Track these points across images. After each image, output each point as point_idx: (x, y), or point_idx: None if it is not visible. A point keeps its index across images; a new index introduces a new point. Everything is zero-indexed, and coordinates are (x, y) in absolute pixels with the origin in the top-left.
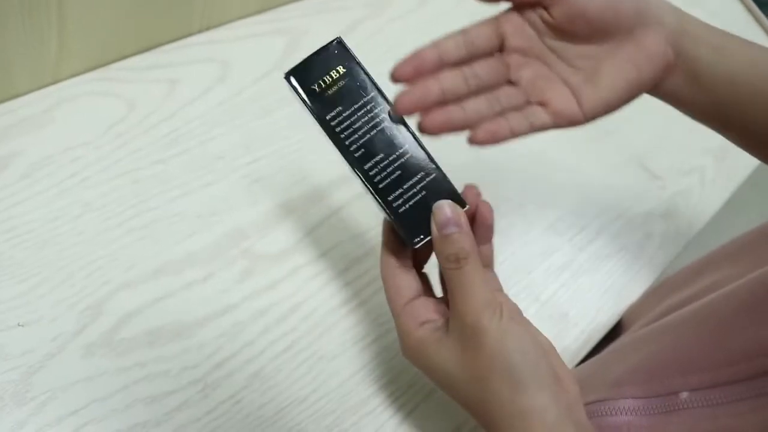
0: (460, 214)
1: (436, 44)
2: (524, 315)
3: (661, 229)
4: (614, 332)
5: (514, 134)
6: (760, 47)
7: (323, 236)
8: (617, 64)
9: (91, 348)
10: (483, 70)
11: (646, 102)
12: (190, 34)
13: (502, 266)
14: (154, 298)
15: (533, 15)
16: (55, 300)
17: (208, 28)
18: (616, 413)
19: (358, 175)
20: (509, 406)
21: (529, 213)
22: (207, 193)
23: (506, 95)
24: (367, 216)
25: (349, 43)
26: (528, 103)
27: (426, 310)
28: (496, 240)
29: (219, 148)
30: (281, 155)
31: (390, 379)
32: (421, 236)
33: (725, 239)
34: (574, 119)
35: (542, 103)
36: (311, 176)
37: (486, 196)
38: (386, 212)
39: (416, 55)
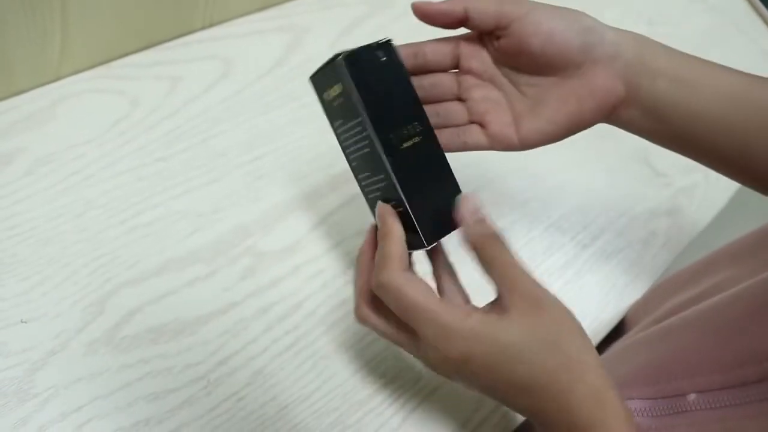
0: (480, 205)
1: None
2: None
3: (665, 227)
4: (617, 331)
5: (444, 149)
6: (729, 73)
7: (326, 233)
8: (560, 97)
9: (94, 345)
10: (429, 82)
11: None
12: (192, 31)
13: None
14: (157, 296)
15: (489, 41)
16: (58, 297)
17: (210, 25)
18: None
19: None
20: (583, 362)
21: (532, 211)
22: (210, 191)
23: (447, 110)
24: (369, 215)
25: (351, 41)
26: (470, 122)
27: (457, 301)
28: None
29: (222, 146)
30: (284, 152)
31: (393, 376)
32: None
33: (730, 236)
34: (509, 145)
35: (482, 125)
36: (314, 173)
37: (489, 193)
38: (408, 211)
39: None
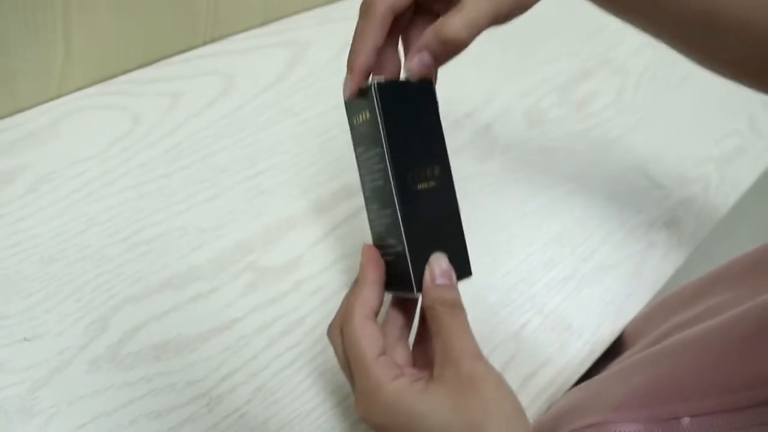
0: (452, 270)
1: (366, 53)
2: (528, 327)
3: (664, 238)
4: (616, 348)
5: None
6: None
7: (327, 249)
8: None
9: (97, 362)
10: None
11: (649, 111)
12: (194, 47)
13: (505, 278)
14: (159, 312)
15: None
16: (61, 314)
17: (212, 41)
18: None
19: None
20: None
21: (531, 224)
22: (211, 207)
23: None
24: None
25: None
26: None
27: (396, 364)
28: (501, 252)
29: (223, 161)
30: (285, 168)
31: None
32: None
33: (729, 247)
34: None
35: None
36: (315, 189)
37: (489, 207)
38: (405, 253)
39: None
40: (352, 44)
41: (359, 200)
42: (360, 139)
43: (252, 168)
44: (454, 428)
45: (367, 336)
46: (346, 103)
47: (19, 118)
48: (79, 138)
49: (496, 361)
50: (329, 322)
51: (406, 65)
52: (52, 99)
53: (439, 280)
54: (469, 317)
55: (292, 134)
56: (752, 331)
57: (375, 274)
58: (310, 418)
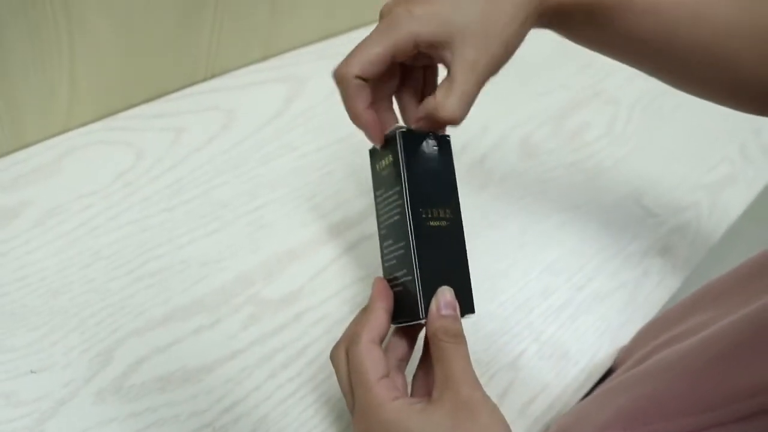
0: (456, 302)
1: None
2: (525, 355)
3: (659, 266)
4: (607, 372)
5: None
6: None
7: (327, 281)
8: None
9: (102, 394)
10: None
11: (641, 140)
12: (195, 82)
13: (503, 306)
14: (163, 344)
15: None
16: (66, 347)
17: (212, 77)
18: None
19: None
20: None
21: (529, 254)
22: (213, 240)
23: None
24: (370, 261)
25: None
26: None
27: (397, 387)
28: (499, 281)
29: (224, 196)
30: (285, 202)
31: None
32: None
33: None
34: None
35: None
36: (315, 222)
37: (487, 237)
38: (416, 279)
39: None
40: (345, 108)
41: (358, 233)
42: (381, 182)
43: (252, 202)
44: None
45: (371, 359)
46: (370, 152)
47: (25, 153)
48: (84, 173)
49: (495, 388)
50: (332, 347)
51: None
52: (57, 134)
53: (444, 311)
54: (469, 345)
55: (292, 168)
56: (728, 348)
57: (384, 303)
58: None
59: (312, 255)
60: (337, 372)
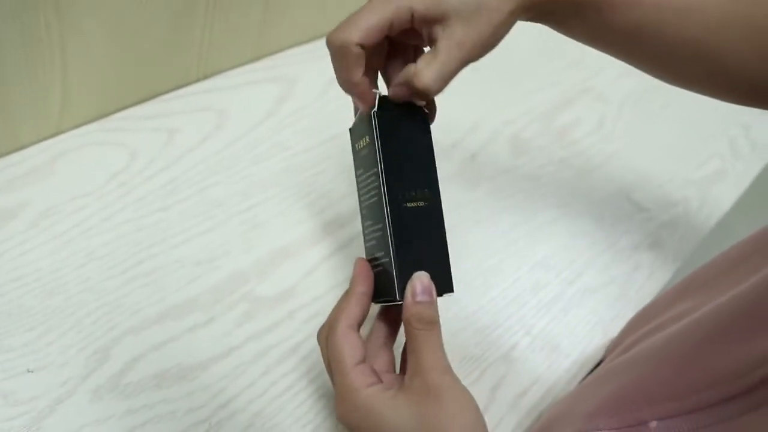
0: (432, 287)
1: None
2: (517, 348)
3: (648, 260)
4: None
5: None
6: None
7: (320, 278)
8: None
9: (99, 392)
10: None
11: (631, 136)
12: (187, 84)
13: (494, 301)
14: (158, 342)
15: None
16: (63, 346)
17: (204, 77)
18: None
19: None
20: None
21: (519, 249)
22: (207, 239)
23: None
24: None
25: (340, 90)
26: None
27: (372, 373)
28: (490, 276)
29: (218, 195)
30: (278, 201)
31: None
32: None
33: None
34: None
35: None
36: (307, 220)
37: (479, 233)
38: (392, 261)
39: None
40: (340, 76)
41: (350, 231)
42: (360, 162)
43: (246, 201)
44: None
45: (348, 345)
46: (350, 130)
47: (19, 155)
48: (78, 174)
49: (487, 381)
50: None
51: (392, 93)
52: (51, 136)
53: (419, 297)
54: (461, 339)
55: (284, 168)
56: (709, 334)
57: (363, 287)
58: None
59: (305, 253)
60: (322, 354)
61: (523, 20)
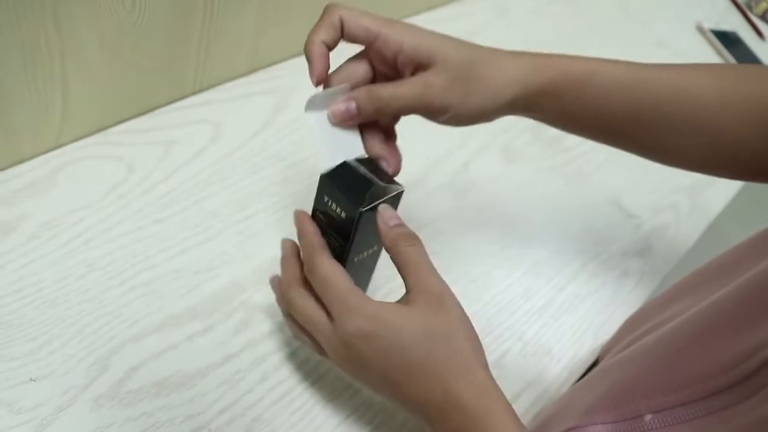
0: (396, 214)
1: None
2: (510, 354)
3: (637, 266)
4: (593, 368)
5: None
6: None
7: None
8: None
9: (100, 400)
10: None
11: None
12: (184, 96)
13: (486, 307)
14: (158, 351)
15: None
16: (64, 355)
17: (200, 90)
18: None
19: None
20: (473, 359)
21: (510, 257)
22: (205, 249)
23: None
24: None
25: None
26: None
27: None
28: (482, 283)
29: (214, 206)
30: (274, 211)
31: (381, 421)
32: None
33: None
34: None
35: None
36: None
37: (469, 241)
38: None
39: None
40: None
41: None
42: (329, 212)
43: (242, 212)
44: (429, 337)
45: (340, 271)
46: (322, 177)
47: (19, 169)
48: (78, 187)
49: None
50: (316, 355)
51: (332, 107)
52: (50, 150)
53: (393, 222)
54: None
55: (280, 179)
56: (700, 330)
57: (314, 226)
58: None
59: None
60: (296, 311)
61: (512, 114)
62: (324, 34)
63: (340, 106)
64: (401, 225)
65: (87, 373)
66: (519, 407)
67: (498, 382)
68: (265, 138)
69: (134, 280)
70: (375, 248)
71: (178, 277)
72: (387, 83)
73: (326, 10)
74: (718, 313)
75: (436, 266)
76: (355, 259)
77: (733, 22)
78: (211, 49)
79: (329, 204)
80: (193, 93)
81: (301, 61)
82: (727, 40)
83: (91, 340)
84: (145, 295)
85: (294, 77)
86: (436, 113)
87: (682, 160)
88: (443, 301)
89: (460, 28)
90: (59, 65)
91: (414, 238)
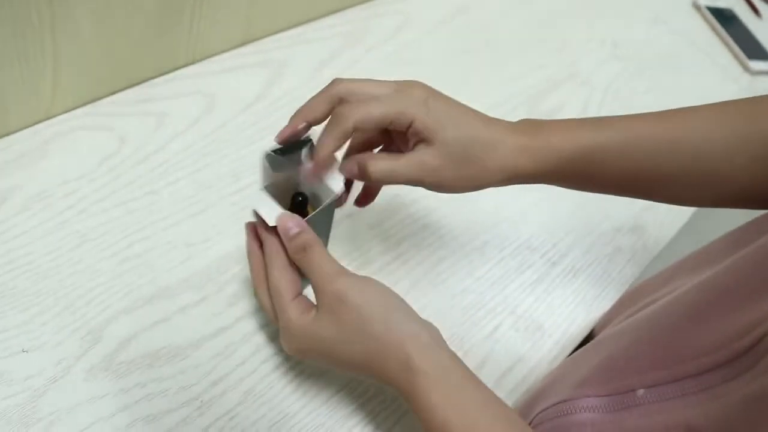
0: (293, 217)
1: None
2: (501, 328)
3: (630, 243)
4: (586, 343)
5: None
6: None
7: None
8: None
9: (93, 371)
10: None
11: None
12: (176, 68)
13: (479, 281)
14: (150, 323)
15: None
16: (57, 326)
17: (193, 62)
18: (579, 411)
19: None
20: (386, 339)
21: (503, 231)
22: (198, 221)
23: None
24: (352, 238)
25: (328, 73)
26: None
27: (305, 305)
28: (475, 257)
29: (208, 178)
30: None
31: (373, 394)
32: None
33: (692, 250)
34: None
35: None
36: None
37: (464, 215)
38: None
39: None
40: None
41: (340, 211)
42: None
43: (236, 183)
44: (344, 342)
45: (285, 281)
46: (266, 156)
47: (10, 140)
48: (69, 158)
49: (472, 360)
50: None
51: (343, 165)
52: (41, 121)
53: (291, 232)
54: (446, 319)
55: None
56: (694, 307)
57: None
58: (297, 417)
59: None
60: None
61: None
62: (337, 143)
63: (348, 166)
64: (297, 233)
65: (80, 344)
66: (510, 381)
67: (489, 356)
68: (259, 110)
69: (127, 251)
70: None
71: (171, 248)
72: (386, 156)
73: (336, 114)
74: (714, 289)
75: (428, 239)
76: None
77: (730, 0)
78: (204, 19)
79: (275, 176)
80: (186, 65)
81: (296, 34)
82: (723, 17)
83: (84, 312)
84: (138, 267)
85: (288, 50)
86: (429, 188)
87: (695, 202)
88: (342, 297)
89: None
90: (50, 35)
91: (306, 246)
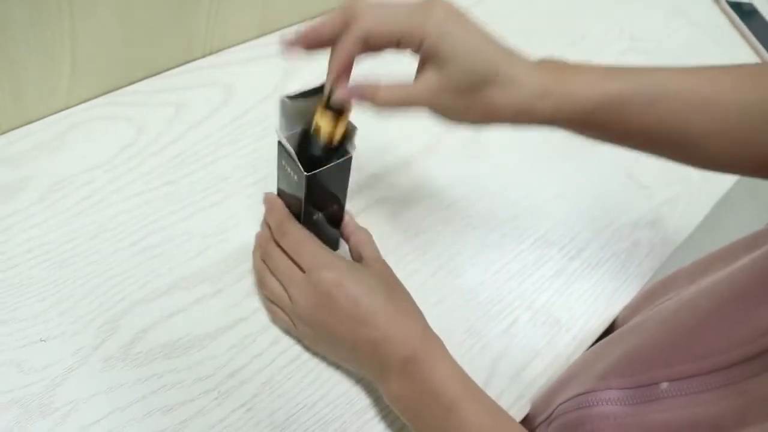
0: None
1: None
2: (518, 322)
3: (648, 237)
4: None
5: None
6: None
7: None
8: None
9: (111, 361)
10: None
11: None
12: (195, 59)
13: (496, 275)
14: (168, 313)
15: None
16: (74, 316)
17: (211, 53)
18: (601, 403)
19: None
20: (412, 307)
21: (521, 225)
22: (215, 212)
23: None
24: (370, 227)
25: None
26: None
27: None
28: (492, 251)
29: (225, 169)
30: None
31: None
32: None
33: (711, 244)
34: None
35: None
36: None
37: (481, 210)
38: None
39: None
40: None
41: (356, 203)
42: (285, 173)
43: (253, 175)
44: (382, 288)
45: (309, 234)
46: (279, 148)
47: (28, 129)
48: (87, 148)
49: (488, 355)
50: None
51: (338, 91)
52: (59, 110)
53: (351, 226)
54: (463, 313)
55: None
56: (723, 301)
57: (281, 203)
58: (315, 408)
59: None
60: (274, 264)
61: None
62: (352, 51)
63: (345, 91)
64: (356, 224)
65: (97, 334)
66: (527, 376)
67: (506, 350)
68: (276, 101)
69: (144, 241)
70: (335, 207)
71: (188, 239)
72: (395, 86)
73: (350, 25)
74: (742, 283)
75: (444, 233)
76: (314, 218)
77: None
78: (223, 10)
79: (286, 166)
80: (204, 55)
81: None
82: (742, 11)
83: (101, 302)
84: (155, 257)
85: None
86: (436, 115)
87: (718, 167)
88: (385, 267)
89: None
90: (69, 25)
91: (363, 230)
